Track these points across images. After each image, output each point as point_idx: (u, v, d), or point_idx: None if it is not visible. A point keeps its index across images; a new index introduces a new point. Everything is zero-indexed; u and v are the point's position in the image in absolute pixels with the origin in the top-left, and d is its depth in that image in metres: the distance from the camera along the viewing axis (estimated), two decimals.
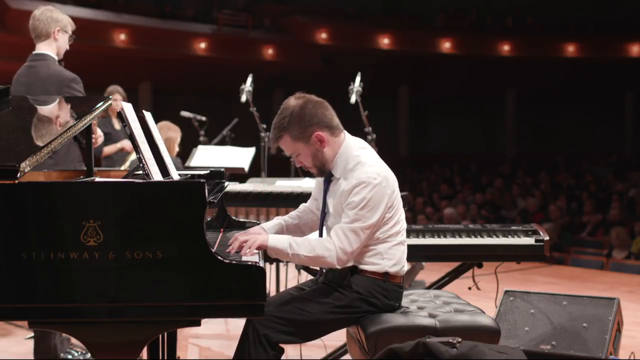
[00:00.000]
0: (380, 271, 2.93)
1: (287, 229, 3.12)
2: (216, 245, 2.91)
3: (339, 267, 2.84)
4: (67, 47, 4.19)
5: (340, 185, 2.91)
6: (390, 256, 2.93)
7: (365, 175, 2.82)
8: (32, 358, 3.98)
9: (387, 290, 2.95)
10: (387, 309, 2.97)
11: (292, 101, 2.94)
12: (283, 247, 2.79)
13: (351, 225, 2.79)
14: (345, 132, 3.02)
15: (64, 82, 3.97)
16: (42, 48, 4.10)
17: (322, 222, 3.03)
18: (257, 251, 2.80)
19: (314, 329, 2.92)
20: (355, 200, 2.80)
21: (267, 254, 2.90)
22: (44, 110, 3.30)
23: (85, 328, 2.34)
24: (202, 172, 3.38)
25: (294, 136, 2.90)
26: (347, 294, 2.90)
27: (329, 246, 2.79)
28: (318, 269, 3.12)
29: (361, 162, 2.88)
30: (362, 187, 2.80)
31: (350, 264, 2.92)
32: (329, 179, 2.99)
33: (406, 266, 3.03)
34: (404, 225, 3.01)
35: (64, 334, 3.82)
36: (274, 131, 2.94)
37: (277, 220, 3.17)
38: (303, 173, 6.43)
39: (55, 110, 3.32)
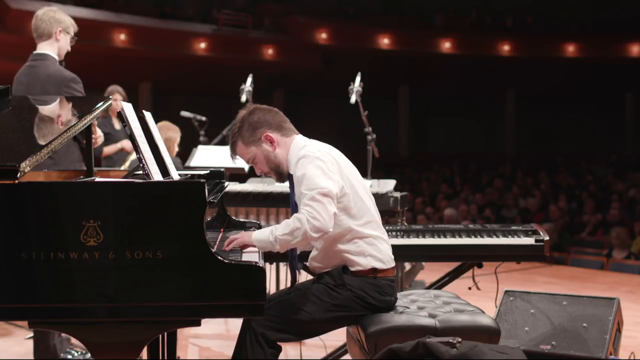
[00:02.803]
0: (368, 268, 2.95)
1: None
2: (216, 245, 2.91)
3: (315, 235, 2.79)
4: (69, 49, 4.20)
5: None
6: (371, 252, 2.96)
7: (305, 151, 2.90)
8: (32, 358, 3.98)
9: (380, 286, 2.96)
10: (384, 305, 2.98)
11: (243, 111, 3.05)
12: (265, 237, 2.82)
13: (308, 194, 2.81)
14: (299, 134, 3.07)
15: (63, 81, 3.97)
16: (43, 48, 4.10)
17: None
18: (256, 250, 2.81)
19: (311, 328, 2.94)
20: (299, 175, 2.87)
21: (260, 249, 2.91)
22: (45, 110, 3.30)
23: (85, 328, 2.34)
24: (202, 172, 3.38)
25: (245, 141, 2.99)
26: (342, 293, 2.92)
27: (299, 216, 2.81)
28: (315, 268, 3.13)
29: (305, 147, 2.96)
30: (302, 161, 2.88)
31: (337, 261, 2.95)
32: (292, 180, 3.02)
33: (393, 259, 3.05)
34: (374, 217, 3.02)
35: (63, 334, 3.82)
36: (230, 142, 3.04)
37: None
38: None
39: (56, 109, 3.32)
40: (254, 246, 2.84)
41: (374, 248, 2.97)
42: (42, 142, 2.49)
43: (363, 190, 3.02)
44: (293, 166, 2.96)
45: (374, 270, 2.96)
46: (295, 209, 3.02)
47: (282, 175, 3.03)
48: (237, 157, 3.06)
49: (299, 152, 2.94)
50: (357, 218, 2.95)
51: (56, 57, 4.11)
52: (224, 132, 7.10)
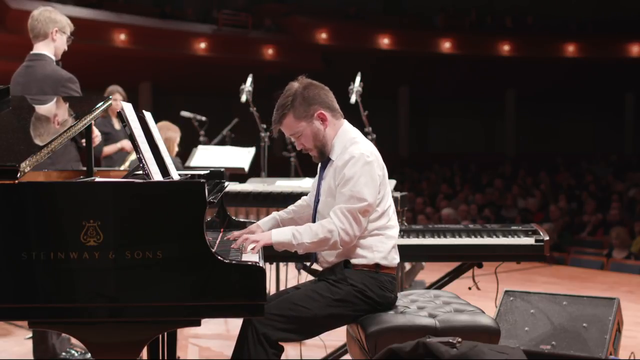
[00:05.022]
0: (371, 263, 2.96)
1: (282, 223, 3.16)
2: (216, 245, 2.91)
3: (342, 247, 2.88)
4: (65, 48, 4.20)
5: (335, 166, 2.95)
6: (379, 249, 2.97)
7: (358, 152, 2.89)
8: (32, 358, 3.98)
9: (381, 281, 2.97)
10: (384, 301, 2.98)
11: (296, 83, 3.01)
12: (287, 240, 2.85)
13: (349, 207, 2.83)
14: (345, 119, 3.07)
15: (60, 82, 3.98)
16: (39, 48, 4.10)
17: (315, 208, 3.06)
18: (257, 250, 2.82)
19: (313, 325, 2.93)
20: (347, 174, 2.86)
21: (275, 250, 2.92)
22: (42, 109, 3.30)
23: (86, 328, 2.34)
24: (202, 172, 3.38)
25: (297, 115, 2.96)
26: (343, 287, 2.92)
27: (330, 227, 2.83)
28: (319, 268, 3.13)
29: (356, 142, 2.95)
30: (355, 161, 2.86)
31: (345, 252, 2.95)
32: (325, 164, 3.02)
33: (397, 259, 3.05)
34: (393, 221, 3.04)
35: (63, 334, 3.82)
36: (277, 112, 2.99)
37: (272, 216, 3.22)
38: (303, 173, 6.43)
39: (53, 109, 3.32)
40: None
41: (382, 246, 2.98)
42: (38, 142, 2.49)
43: (389, 191, 3.04)
44: (337, 153, 2.96)
45: (377, 265, 2.97)
46: (318, 194, 3.02)
47: (324, 155, 3.02)
48: (281, 128, 3.02)
49: (350, 146, 2.93)
50: (376, 220, 2.96)
51: (53, 57, 4.11)
52: (224, 132, 7.11)
